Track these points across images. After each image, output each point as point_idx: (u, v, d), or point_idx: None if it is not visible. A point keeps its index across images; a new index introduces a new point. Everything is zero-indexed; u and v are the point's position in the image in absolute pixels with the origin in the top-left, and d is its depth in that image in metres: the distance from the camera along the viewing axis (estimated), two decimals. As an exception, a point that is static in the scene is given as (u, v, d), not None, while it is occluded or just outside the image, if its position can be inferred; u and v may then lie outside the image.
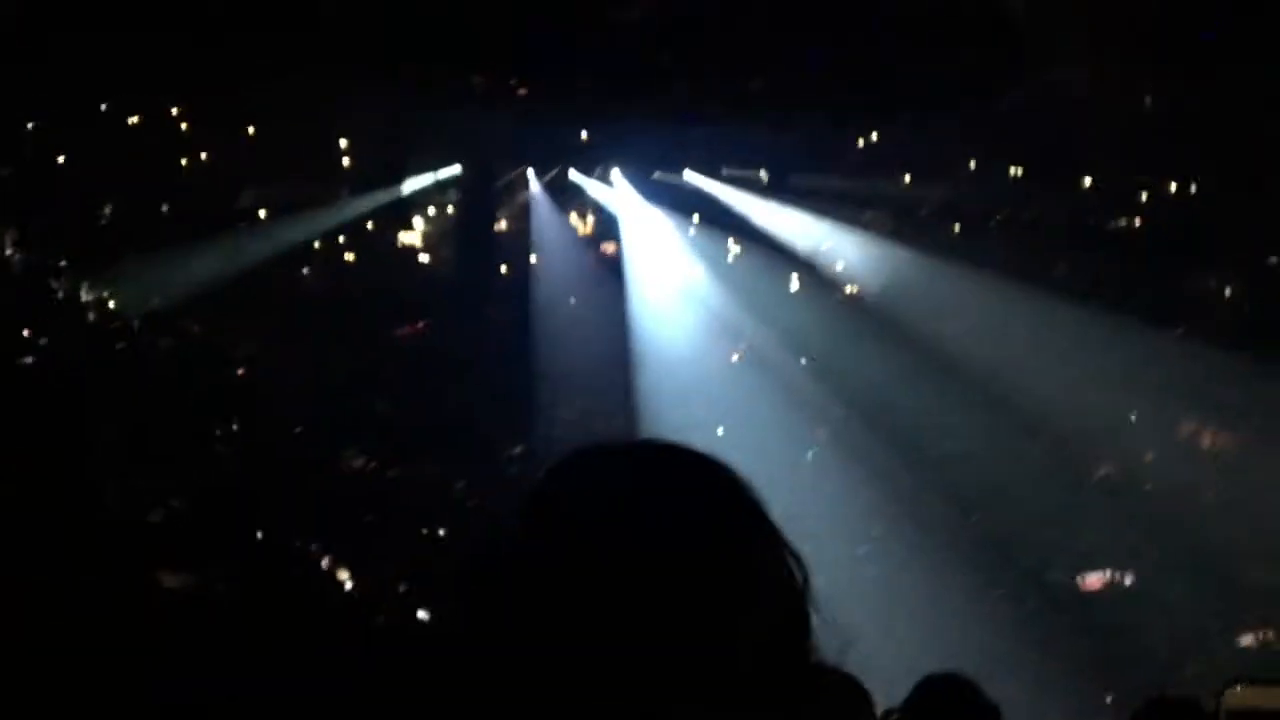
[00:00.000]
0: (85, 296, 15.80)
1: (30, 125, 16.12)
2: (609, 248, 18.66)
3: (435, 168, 17.96)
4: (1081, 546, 16.39)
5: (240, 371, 15.94)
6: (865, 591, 14.38)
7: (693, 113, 15.90)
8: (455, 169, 18.05)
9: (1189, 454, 16.29)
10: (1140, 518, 15.83)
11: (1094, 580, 16.45)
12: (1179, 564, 15.16)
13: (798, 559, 1.19)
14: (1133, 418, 16.45)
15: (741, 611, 1.13)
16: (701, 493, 1.18)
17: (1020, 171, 16.83)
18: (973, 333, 16.37)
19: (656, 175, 17.87)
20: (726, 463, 1.22)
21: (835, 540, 14.90)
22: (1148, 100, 15.65)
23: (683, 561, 1.12)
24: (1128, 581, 16.25)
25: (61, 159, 16.51)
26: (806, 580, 1.19)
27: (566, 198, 18.50)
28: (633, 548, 1.13)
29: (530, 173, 17.99)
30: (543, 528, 1.17)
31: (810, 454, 17.09)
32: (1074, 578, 16.48)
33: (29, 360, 13.24)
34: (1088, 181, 16.76)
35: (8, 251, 14.84)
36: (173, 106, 16.73)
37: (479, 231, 18.46)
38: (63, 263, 15.74)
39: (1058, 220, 17.07)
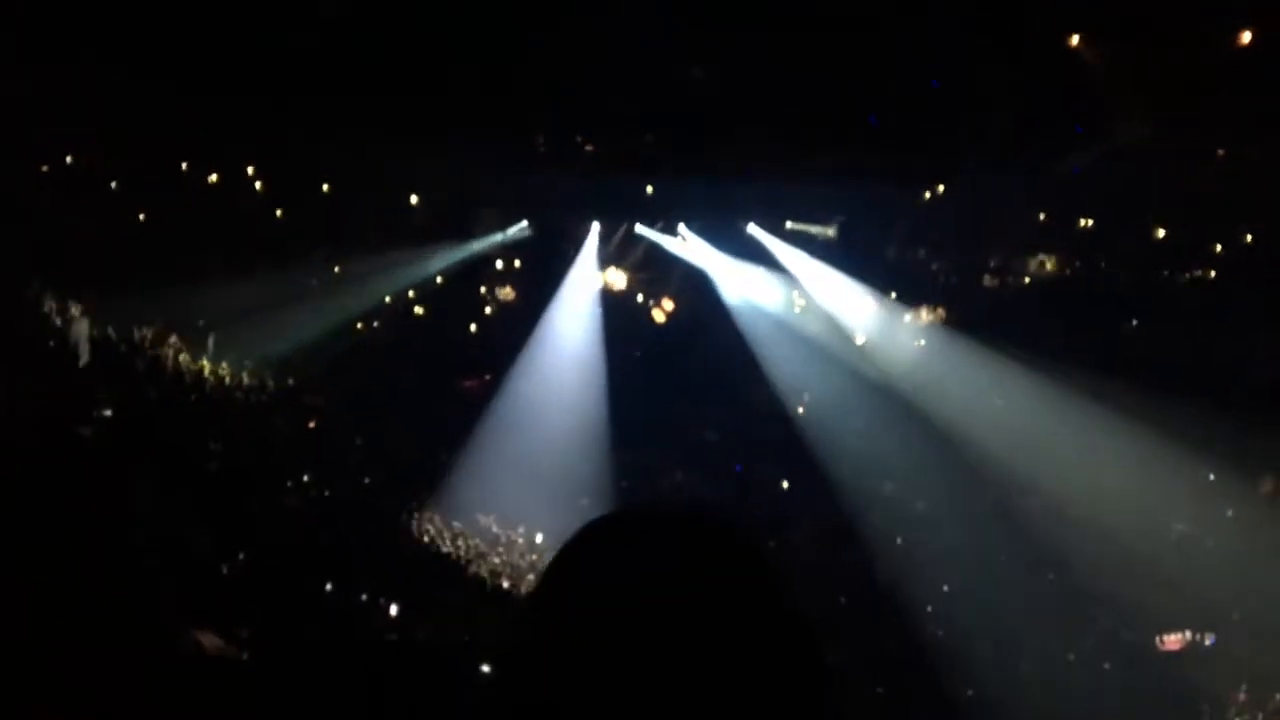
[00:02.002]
0: (166, 352, 16.27)
1: (113, 184, 16.75)
2: (667, 304, 18.80)
3: (504, 225, 18.29)
4: (1160, 606, 15.97)
5: (311, 424, 16.23)
6: (937, 649, 14.14)
7: (755, 168, 15.99)
8: (523, 225, 18.36)
9: (1271, 512, 15.82)
10: (1220, 576, 15.39)
11: (1173, 641, 15.97)
12: (1260, 625, 14.68)
13: (810, 633, 1.21)
14: (1211, 476, 16.06)
15: (745, 690, 1.15)
16: (715, 568, 1.21)
17: (1087, 229, 16.66)
18: (1046, 391, 16.14)
19: (720, 228, 18.02)
20: (749, 534, 1.23)
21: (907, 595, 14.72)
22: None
23: (684, 638, 1.15)
24: (1208, 642, 15.76)
25: (142, 216, 17.13)
26: (818, 655, 1.19)
27: (628, 252, 18.70)
28: (639, 624, 1.16)
29: (595, 227, 18.23)
30: (556, 598, 1.22)
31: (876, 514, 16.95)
32: (1153, 638, 16.03)
33: (108, 413, 13.61)
34: (1158, 235, 16.53)
35: (73, 312, 15.32)
36: (249, 167, 17.28)
37: (544, 287, 18.68)
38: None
39: (1127, 280, 16.85)
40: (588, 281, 19.03)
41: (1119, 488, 15.68)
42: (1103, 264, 17.18)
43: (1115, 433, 15.42)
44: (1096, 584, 15.44)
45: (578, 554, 1.24)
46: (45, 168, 16.98)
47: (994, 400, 16.51)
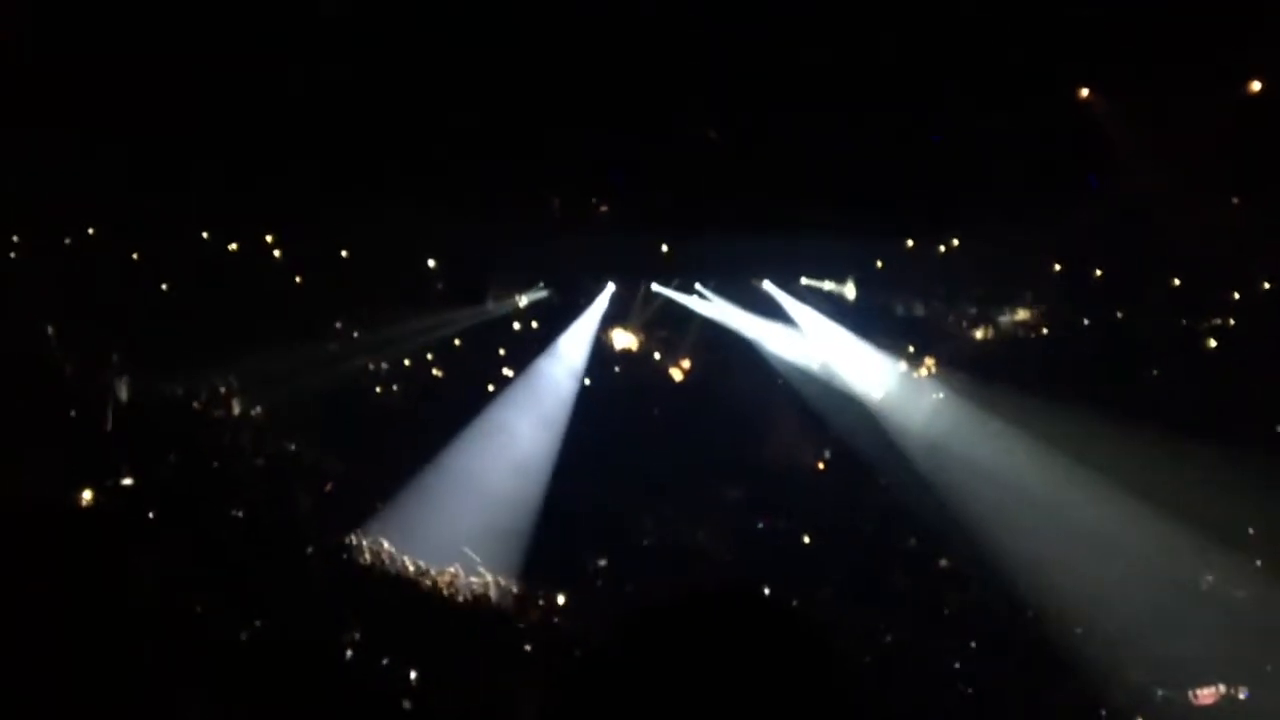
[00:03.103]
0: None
1: (135, 255, 17.00)
2: (684, 362, 18.84)
3: (521, 286, 18.45)
4: (1192, 658, 15.72)
5: (328, 488, 16.26)
6: (964, 708, 13.94)
7: (770, 225, 16.08)
8: (540, 289, 18.53)
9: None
10: (1252, 628, 15.15)
11: (1206, 695, 15.67)
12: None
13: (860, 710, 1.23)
14: (1251, 530, 15.88)
15: None
16: (774, 654, 1.22)
17: (1103, 278, 16.67)
18: (1071, 442, 16.04)
19: (736, 286, 18.11)
20: (806, 618, 1.25)
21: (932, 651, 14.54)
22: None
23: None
24: (1242, 696, 15.48)
25: (164, 286, 17.35)
26: None
27: (645, 311, 18.79)
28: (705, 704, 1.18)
29: (610, 287, 18.34)
30: (618, 678, 1.22)
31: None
32: (1186, 692, 15.75)
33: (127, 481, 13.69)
34: (1175, 283, 16.52)
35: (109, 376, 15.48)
36: (267, 234, 17.51)
37: (562, 348, 18.76)
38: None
39: (1147, 328, 16.81)
40: (599, 341, 19.11)
41: (1147, 538, 15.51)
42: (1120, 313, 17.15)
43: (1142, 482, 15.29)
44: (1126, 637, 15.22)
45: (635, 639, 1.26)
46: (67, 240, 17.25)
47: (1017, 452, 16.40)
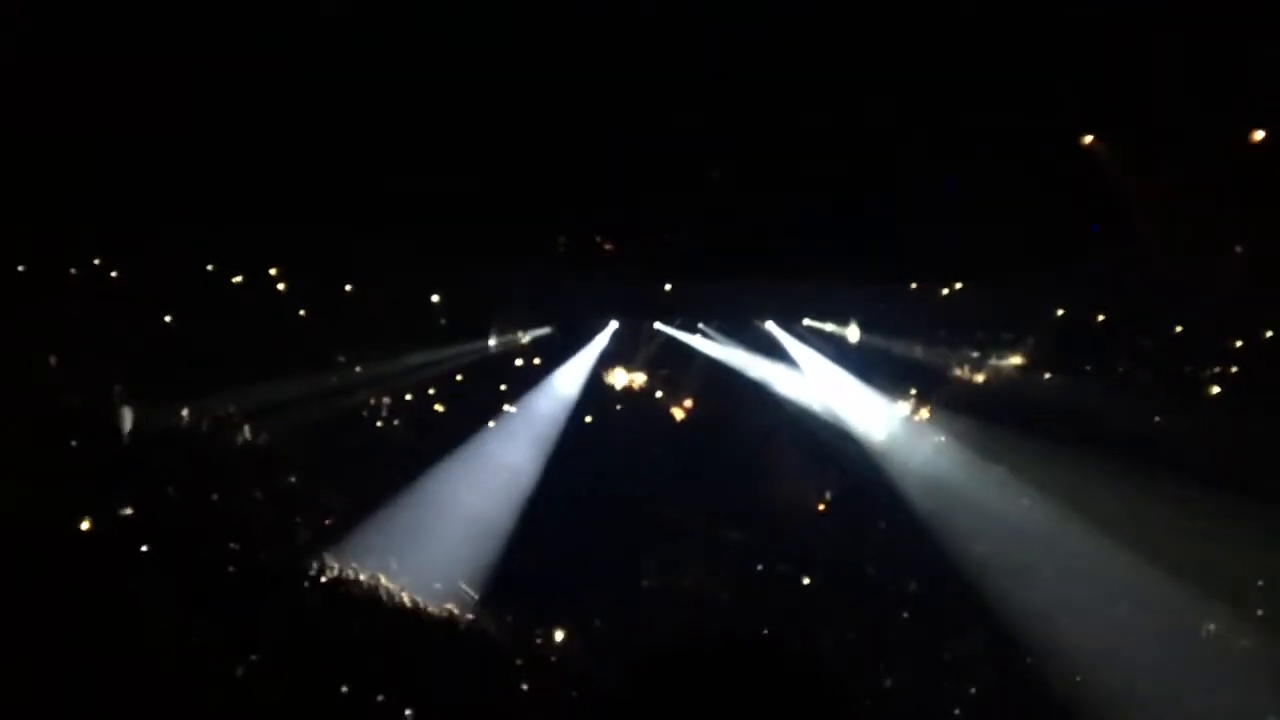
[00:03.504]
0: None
1: (140, 286, 17.08)
2: (686, 402, 18.87)
3: (524, 323, 18.52)
4: (1194, 708, 15.59)
5: (328, 521, 16.22)
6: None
7: (774, 267, 16.15)
8: (544, 326, 18.59)
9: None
10: (1254, 678, 15.05)
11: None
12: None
13: None
14: (1253, 580, 15.81)
15: None
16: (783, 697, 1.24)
17: (1102, 327, 16.71)
18: (1072, 489, 16.01)
19: (739, 326, 18.18)
20: (814, 666, 1.27)
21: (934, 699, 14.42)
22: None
23: None
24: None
25: (168, 318, 17.43)
26: None
27: (646, 350, 18.84)
28: None
29: (613, 325, 18.40)
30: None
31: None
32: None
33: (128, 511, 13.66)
34: (1177, 331, 16.56)
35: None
36: (271, 267, 17.61)
37: (564, 385, 18.79)
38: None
39: (1149, 377, 16.83)
40: (601, 379, 19.15)
41: (1149, 586, 15.45)
42: (1122, 359, 17.17)
43: (1143, 530, 15.24)
44: (1127, 685, 15.11)
45: (644, 684, 1.29)
46: (73, 270, 17.32)
47: (1018, 498, 16.38)
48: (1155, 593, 15.52)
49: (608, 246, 17.05)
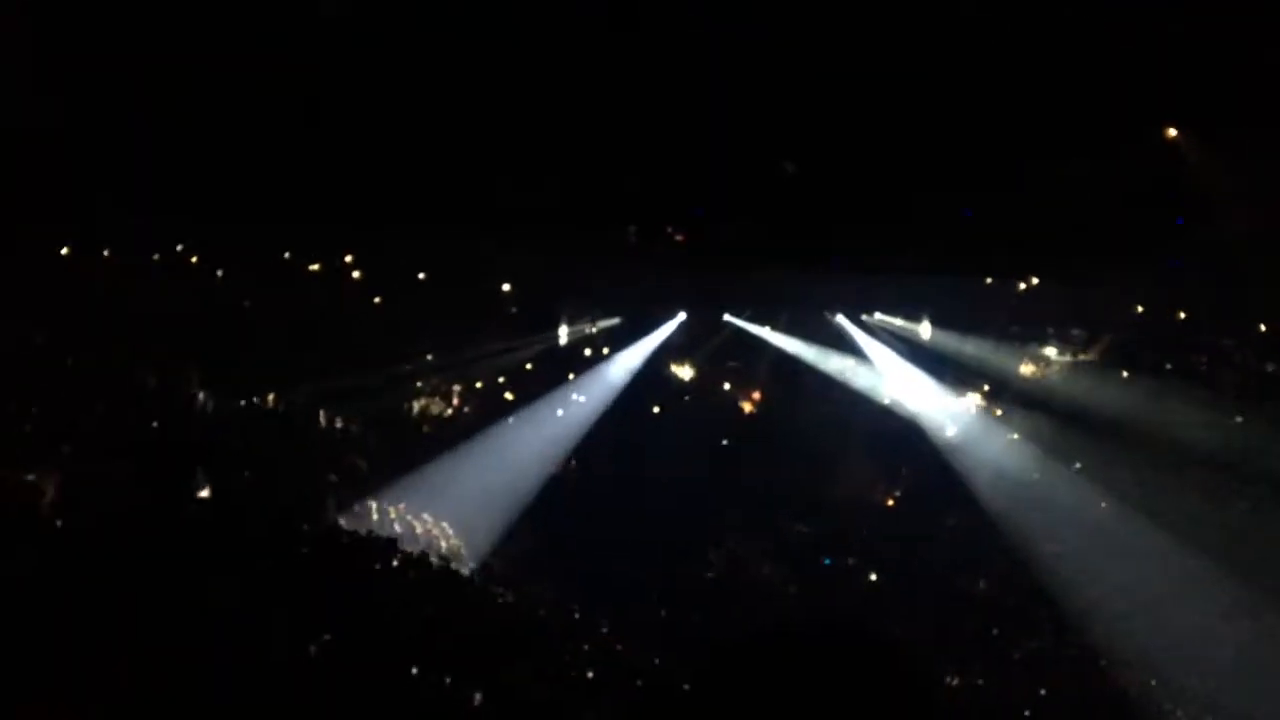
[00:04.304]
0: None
1: (220, 273, 17.42)
2: (754, 395, 18.82)
3: (593, 313, 18.59)
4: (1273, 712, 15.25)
5: (401, 506, 16.40)
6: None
7: (843, 260, 16.02)
8: (613, 316, 18.63)
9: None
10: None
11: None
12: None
13: None
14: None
15: None
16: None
17: (1183, 325, 16.33)
18: (1151, 489, 15.73)
19: (809, 319, 18.08)
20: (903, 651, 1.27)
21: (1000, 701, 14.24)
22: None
23: None
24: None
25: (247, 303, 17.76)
26: None
27: (715, 341, 18.82)
28: None
29: (681, 316, 18.39)
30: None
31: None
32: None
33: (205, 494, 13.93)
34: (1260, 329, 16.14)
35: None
36: (346, 255, 17.87)
37: (632, 375, 18.83)
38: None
39: (1228, 377, 16.43)
40: (669, 370, 19.15)
41: (1228, 592, 15.13)
42: (1203, 358, 16.78)
43: (1220, 534, 14.92)
44: (1206, 691, 14.82)
45: (723, 673, 1.28)
46: (156, 255, 17.70)
47: (1094, 500, 16.09)
48: (1231, 598, 15.20)
49: (679, 238, 17.02)
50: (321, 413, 17.58)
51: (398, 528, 15.32)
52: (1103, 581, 15.47)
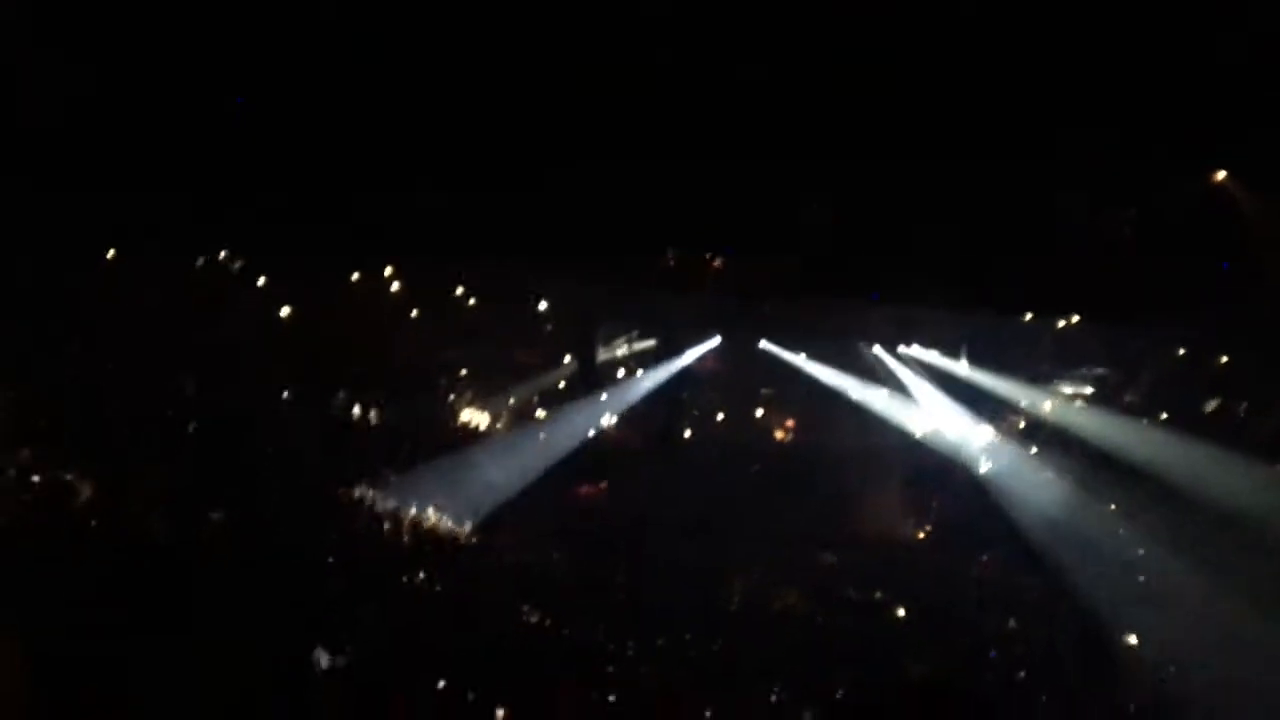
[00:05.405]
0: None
1: (260, 282, 17.55)
2: (788, 422, 18.77)
3: (629, 335, 18.60)
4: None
5: (431, 521, 16.41)
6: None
7: (883, 292, 15.99)
8: (648, 338, 18.65)
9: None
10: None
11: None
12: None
13: None
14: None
15: None
16: None
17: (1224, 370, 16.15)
18: (1190, 533, 15.54)
19: (843, 349, 18.03)
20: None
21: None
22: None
23: None
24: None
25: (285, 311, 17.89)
26: None
27: (749, 368, 18.79)
28: None
29: (716, 340, 18.39)
30: None
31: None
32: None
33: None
34: None
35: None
36: (385, 268, 17.97)
37: (664, 398, 18.82)
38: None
39: (1269, 424, 16.23)
40: (702, 394, 19.12)
41: (1264, 642, 14.88)
42: (1244, 404, 16.58)
43: (1262, 585, 14.68)
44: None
45: None
46: (201, 260, 17.85)
47: (1131, 545, 15.89)
48: (1272, 651, 14.95)
49: (716, 264, 17.03)
50: (354, 421, 17.65)
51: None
52: (1136, 625, 15.29)
